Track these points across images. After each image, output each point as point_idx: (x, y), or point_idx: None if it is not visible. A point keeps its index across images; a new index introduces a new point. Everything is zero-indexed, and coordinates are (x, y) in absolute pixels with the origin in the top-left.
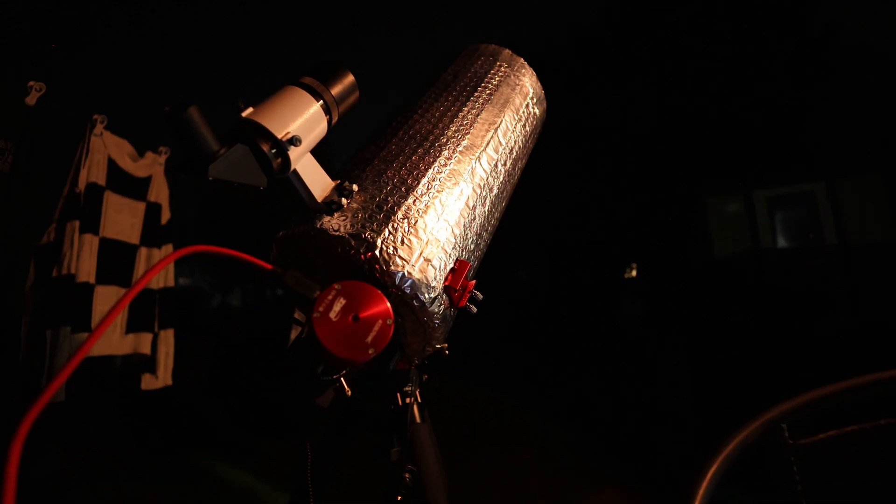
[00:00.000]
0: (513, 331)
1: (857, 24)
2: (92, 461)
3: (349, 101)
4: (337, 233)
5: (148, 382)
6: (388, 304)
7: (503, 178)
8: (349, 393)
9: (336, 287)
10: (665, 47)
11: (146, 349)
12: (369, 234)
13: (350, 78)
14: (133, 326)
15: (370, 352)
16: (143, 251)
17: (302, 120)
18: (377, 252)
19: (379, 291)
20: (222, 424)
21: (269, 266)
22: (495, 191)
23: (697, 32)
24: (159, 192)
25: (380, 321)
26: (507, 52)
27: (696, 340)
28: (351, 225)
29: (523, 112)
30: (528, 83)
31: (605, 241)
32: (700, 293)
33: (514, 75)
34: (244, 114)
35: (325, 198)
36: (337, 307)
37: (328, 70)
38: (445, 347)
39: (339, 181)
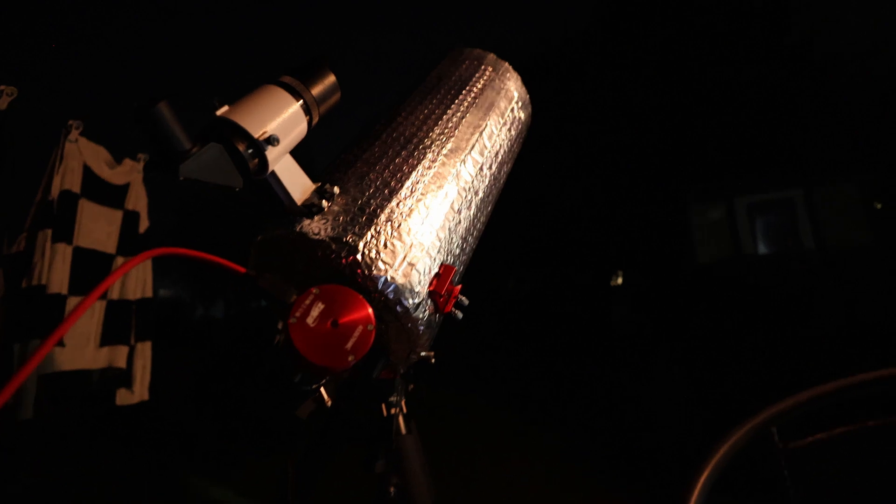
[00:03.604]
0: (501, 339)
1: (834, 33)
2: (66, 480)
3: (330, 101)
4: (317, 236)
5: (123, 398)
6: (370, 309)
7: (489, 181)
8: (329, 403)
9: (314, 291)
10: (646, 58)
11: (122, 363)
12: (351, 237)
13: (331, 78)
14: (108, 339)
15: (350, 359)
16: (120, 261)
17: (280, 119)
18: (359, 256)
19: (359, 295)
20: (205, 439)
21: (242, 269)
22: (480, 194)
23: (678, 44)
24: (137, 199)
25: (360, 327)
26: (492, 56)
27: (685, 347)
28: (332, 228)
29: (508, 116)
30: (512, 87)
31: (590, 249)
32: (686, 300)
33: (499, 79)
34: (219, 112)
35: (306, 200)
36: (315, 312)
37: (309, 69)
38: (432, 356)
39: (319, 184)
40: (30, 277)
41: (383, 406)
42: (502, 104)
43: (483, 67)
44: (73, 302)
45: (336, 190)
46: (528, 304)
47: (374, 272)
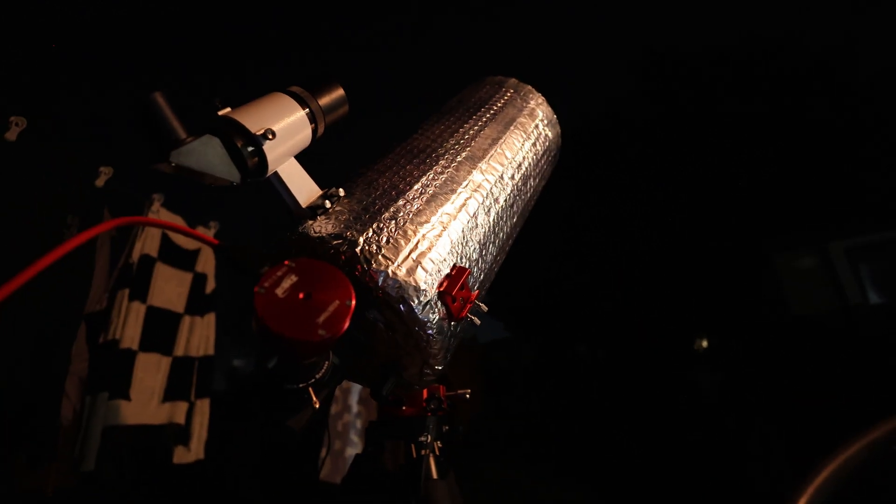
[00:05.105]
0: (571, 408)
1: None
2: None
3: (337, 113)
4: (317, 234)
5: (180, 455)
6: (350, 286)
7: (510, 190)
8: (317, 405)
9: (287, 263)
10: (721, 98)
11: (181, 419)
12: (350, 233)
13: (339, 91)
14: (170, 395)
15: (320, 332)
16: (187, 319)
17: (283, 123)
18: (357, 250)
19: (339, 271)
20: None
21: (215, 241)
22: (502, 202)
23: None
24: (206, 262)
25: (336, 301)
26: (514, 80)
27: (792, 418)
28: (333, 227)
29: (532, 132)
30: (535, 106)
31: (667, 313)
32: (786, 354)
33: (521, 99)
34: (221, 112)
35: (311, 204)
36: (286, 283)
37: (317, 80)
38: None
39: (326, 189)
40: (106, 333)
41: (412, 446)
42: (524, 120)
43: (504, 89)
44: (142, 358)
45: (341, 192)
46: (601, 372)
47: (374, 266)
